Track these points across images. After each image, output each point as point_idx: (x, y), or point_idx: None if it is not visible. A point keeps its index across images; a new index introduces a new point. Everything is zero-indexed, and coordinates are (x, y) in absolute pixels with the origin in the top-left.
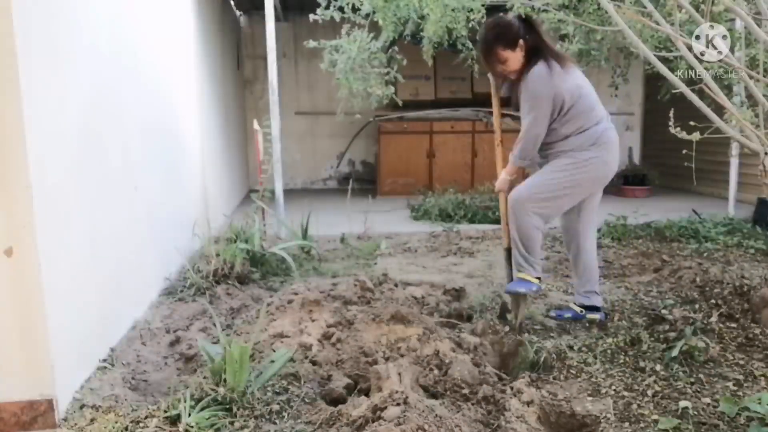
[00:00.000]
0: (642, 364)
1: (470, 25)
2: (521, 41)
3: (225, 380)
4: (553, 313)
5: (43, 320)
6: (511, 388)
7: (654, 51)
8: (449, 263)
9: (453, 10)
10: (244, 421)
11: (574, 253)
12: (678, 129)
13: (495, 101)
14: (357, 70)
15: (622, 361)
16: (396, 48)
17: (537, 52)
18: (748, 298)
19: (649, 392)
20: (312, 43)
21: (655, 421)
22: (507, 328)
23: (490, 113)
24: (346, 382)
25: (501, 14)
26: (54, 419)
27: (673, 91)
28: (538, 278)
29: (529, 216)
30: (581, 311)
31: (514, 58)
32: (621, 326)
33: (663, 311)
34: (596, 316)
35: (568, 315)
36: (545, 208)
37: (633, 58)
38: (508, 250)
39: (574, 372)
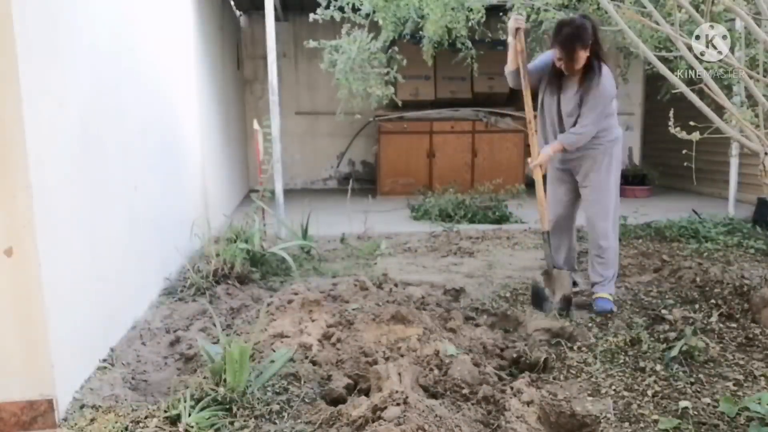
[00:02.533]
0: (642, 364)
1: (470, 25)
2: (590, 43)
3: (225, 380)
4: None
5: (43, 320)
6: (511, 388)
7: (654, 51)
8: (449, 263)
9: (453, 9)
10: (244, 421)
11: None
12: (678, 129)
13: (526, 93)
14: (357, 70)
15: (622, 361)
16: (396, 48)
17: (597, 54)
18: (748, 298)
19: (649, 392)
20: (312, 43)
21: (655, 421)
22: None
23: (491, 113)
24: (346, 382)
25: (573, 15)
26: (54, 419)
27: (673, 91)
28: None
29: (616, 238)
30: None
31: (583, 57)
32: (621, 326)
33: (663, 311)
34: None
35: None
36: (616, 215)
37: (633, 58)
38: (548, 233)
39: (574, 372)
